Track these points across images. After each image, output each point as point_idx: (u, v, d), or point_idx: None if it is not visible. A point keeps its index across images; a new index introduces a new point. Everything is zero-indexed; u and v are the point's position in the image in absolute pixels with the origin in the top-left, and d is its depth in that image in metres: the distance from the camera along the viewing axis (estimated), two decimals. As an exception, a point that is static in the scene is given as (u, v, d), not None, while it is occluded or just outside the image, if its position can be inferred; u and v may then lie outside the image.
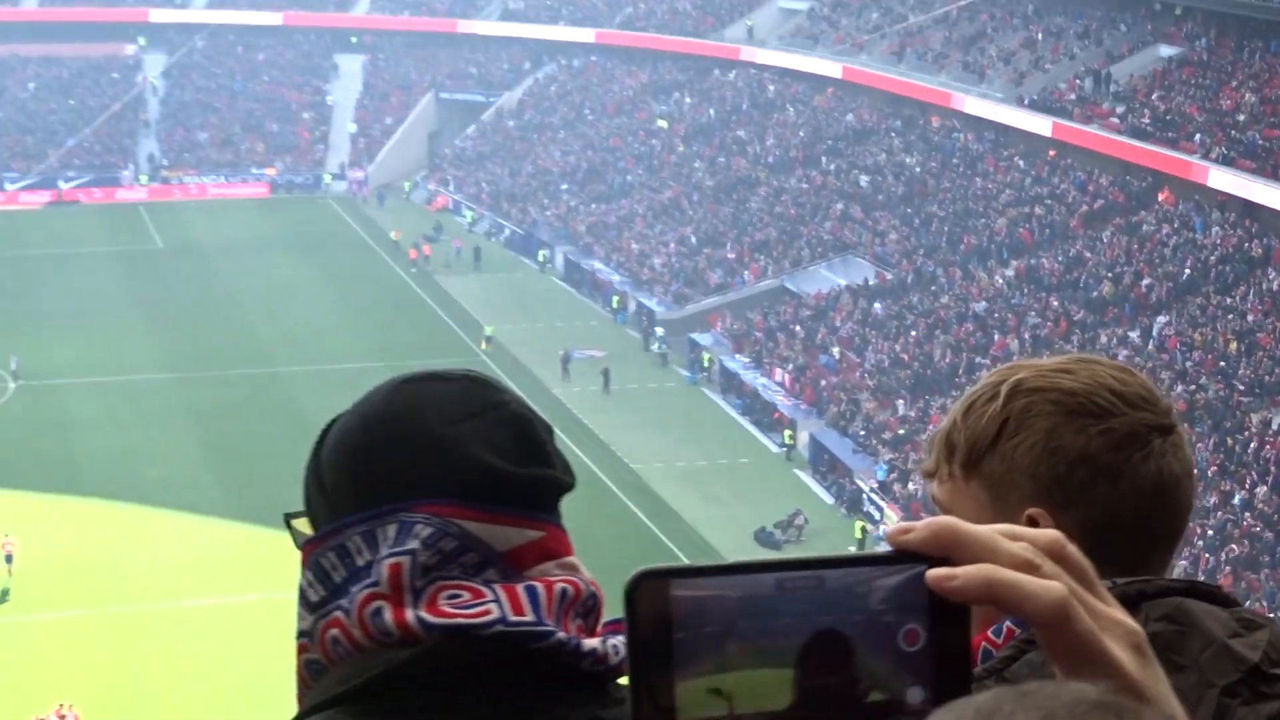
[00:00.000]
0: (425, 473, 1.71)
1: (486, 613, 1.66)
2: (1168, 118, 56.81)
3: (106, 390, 55.69)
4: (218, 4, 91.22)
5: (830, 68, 71.57)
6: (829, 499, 48.18)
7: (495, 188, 77.97)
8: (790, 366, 54.47)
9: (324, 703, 1.67)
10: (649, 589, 1.19)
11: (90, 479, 48.16)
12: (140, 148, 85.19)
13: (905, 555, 1.20)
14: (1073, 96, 60.83)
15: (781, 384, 53.88)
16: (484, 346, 60.08)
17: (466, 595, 1.68)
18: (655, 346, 60.14)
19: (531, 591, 1.70)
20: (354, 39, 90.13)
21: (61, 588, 42.43)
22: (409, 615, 1.66)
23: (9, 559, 43.00)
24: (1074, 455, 1.87)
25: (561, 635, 1.68)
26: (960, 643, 1.20)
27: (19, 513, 45.01)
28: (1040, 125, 60.08)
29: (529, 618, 1.68)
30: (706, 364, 57.48)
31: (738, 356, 56.46)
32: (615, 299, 64.49)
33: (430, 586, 1.69)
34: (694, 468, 49.87)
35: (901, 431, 48.50)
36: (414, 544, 1.69)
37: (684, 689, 1.18)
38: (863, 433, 49.56)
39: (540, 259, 70.90)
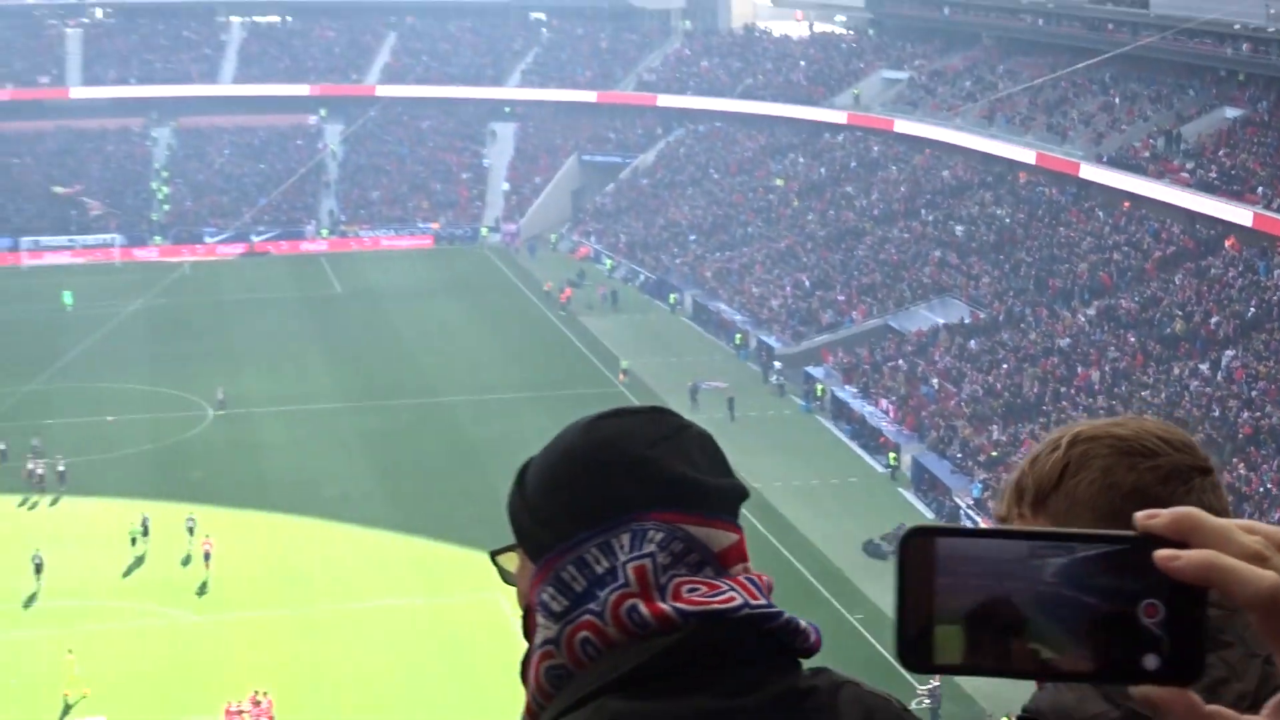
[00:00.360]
0: (636, 490, 1.76)
1: (731, 599, 1.71)
2: (1233, 172, 56.26)
3: (292, 418, 56.28)
4: (389, 79, 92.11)
5: (928, 130, 71.40)
6: (930, 514, 47.77)
7: (631, 239, 78.30)
8: (894, 396, 54.28)
9: (591, 694, 1.71)
10: (918, 544, 1.28)
11: (277, 495, 48.72)
12: (322, 205, 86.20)
13: (1148, 537, 1.23)
14: (1146, 154, 60.31)
15: (886, 412, 53.70)
16: (621, 378, 60.27)
17: (703, 588, 1.72)
18: (774, 379, 60.03)
19: (753, 582, 1.75)
20: (507, 109, 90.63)
21: (252, 590, 43.00)
22: (665, 607, 1.71)
23: (207, 556, 43.72)
24: (1127, 489, 1.92)
25: (788, 615, 1.75)
26: (1196, 619, 1.23)
27: (216, 525, 45.52)
28: (1117, 180, 59.66)
29: (762, 600, 1.74)
30: (819, 394, 57.39)
31: (847, 387, 56.36)
32: (738, 336, 64.48)
33: (670, 583, 1.73)
34: (808, 486, 49.76)
35: (994, 454, 48.11)
36: (651, 548, 1.74)
37: (941, 633, 1.28)
38: (959, 455, 49.33)
39: (671, 301, 71.00)
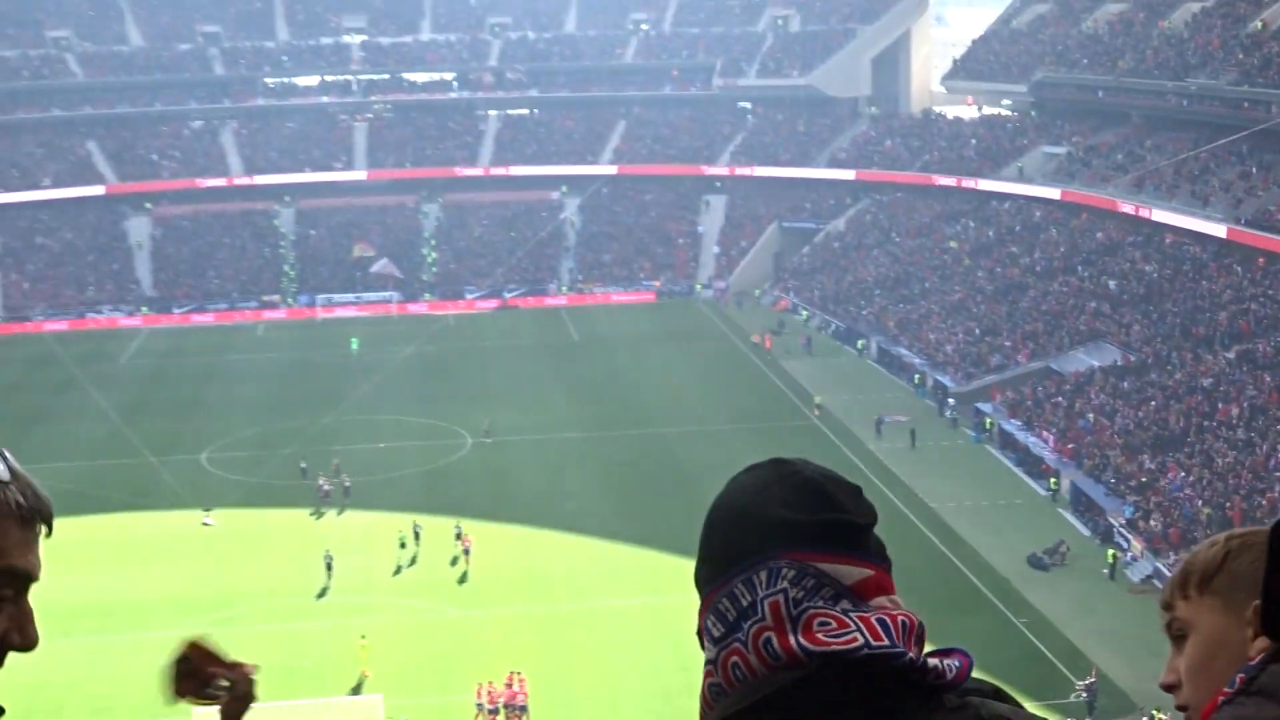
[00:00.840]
0: (761, 534, 1.76)
1: (854, 640, 1.68)
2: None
3: (537, 446, 57.12)
4: (619, 160, 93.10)
5: (1084, 197, 70.39)
6: (1086, 532, 46.88)
7: (824, 293, 78.23)
8: (1054, 428, 53.37)
9: (731, 715, 1.72)
10: None
11: (524, 510, 49.38)
12: (562, 266, 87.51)
13: None
14: (1280, 216, 59.04)
15: (1047, 442, 52.81)
16: (815, 412, 60.21)
17: (834, 624, 1.71)
18: (948, 413, 59.42)
19: (882, 622, 1.72)
20: (718, 184, 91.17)
21: (503, 590, 43.65)
22: (792, 642, 1.69)
23: (467, 551, 44.90)
24: None
25: (911, 655, 1.71)
26: None
27: (473, 535, 46.44)
28: (1254, 239, 58.25)
29: (885, 642, 1.70)
30: (988, 427, 56.67)
31: (1013, 420, 55.58)
32: (917, 377, 63.98)
33: (804, 615, 1.72)
34: (978, 506, 49.14)
35: (1144, 479, 47.10)
36: (784, 584, 1.73)
37: None
38: (1113, 480, 48.28)
39: (859, 347, 70.70)
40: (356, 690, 37.73)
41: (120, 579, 45.15)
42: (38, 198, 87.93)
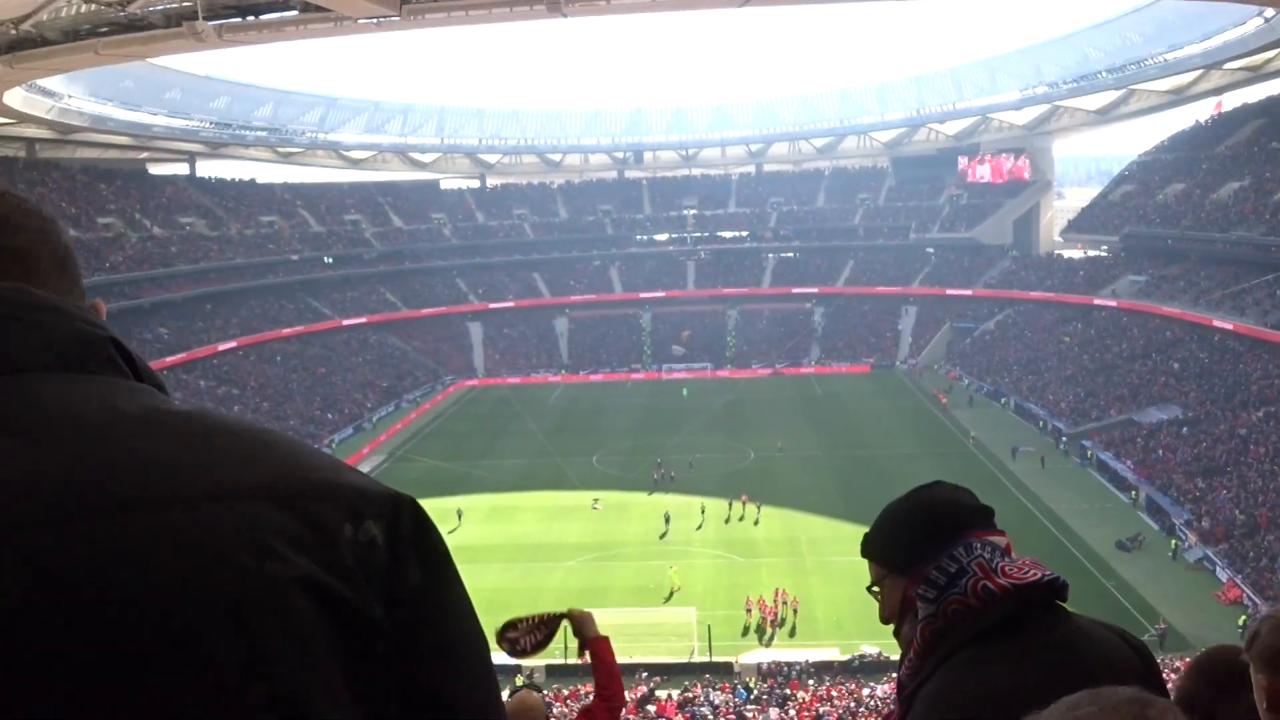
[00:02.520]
0: (956, 521, 1.75)
1: (1037, 572, 1.66)
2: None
3: (792, 460, 56.80)
4: (848, 284, 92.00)
5: (1157, 308, 66.10)
6: (1156, 527, 43.85)
7: (979, 367, 75.22)
8: (1135, 458, 50.13)
9: (968, 640, 1.62)
10: None
11: (784, 498, 49.01)
12: (811, 349, 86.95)
13: None
14: (1297, 322, 54.04)
15: (1130, 467, 49.66)
16: (970, 441, 58.23)
17: (1016, 568, 1.66)
18: (1061, 447, 56.50)
19: (1035, 563, 1.69)
20: (911, 299, 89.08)
21: (770, 547, 43.51)
22: (1004, 582, 1.65)
23: (744, 504, 45.53)
24: None
25: (1061, 577, 1.67)
26: None
27: (734, 513, 46.40)
28: (1277, 336, 53.56)
29: (1050, 573, 1.67)
30: (1089, 456, 53.54)
31: (1106, 453, 52.38)
32: (1041, 422, 60.92)
33: (998, 567, 1.68)
34: (1081, 509, 46.46)
35: (1198, 494, 43.90)
36: (981, 551, 1.70)
37: None
38: (1175, 494, 45.08)
39: (1002, 403, 67.85)
40: (668, 599, 37.93)
41: (544, 530, 46.88)
42: (505, 306, 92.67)
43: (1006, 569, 1.67)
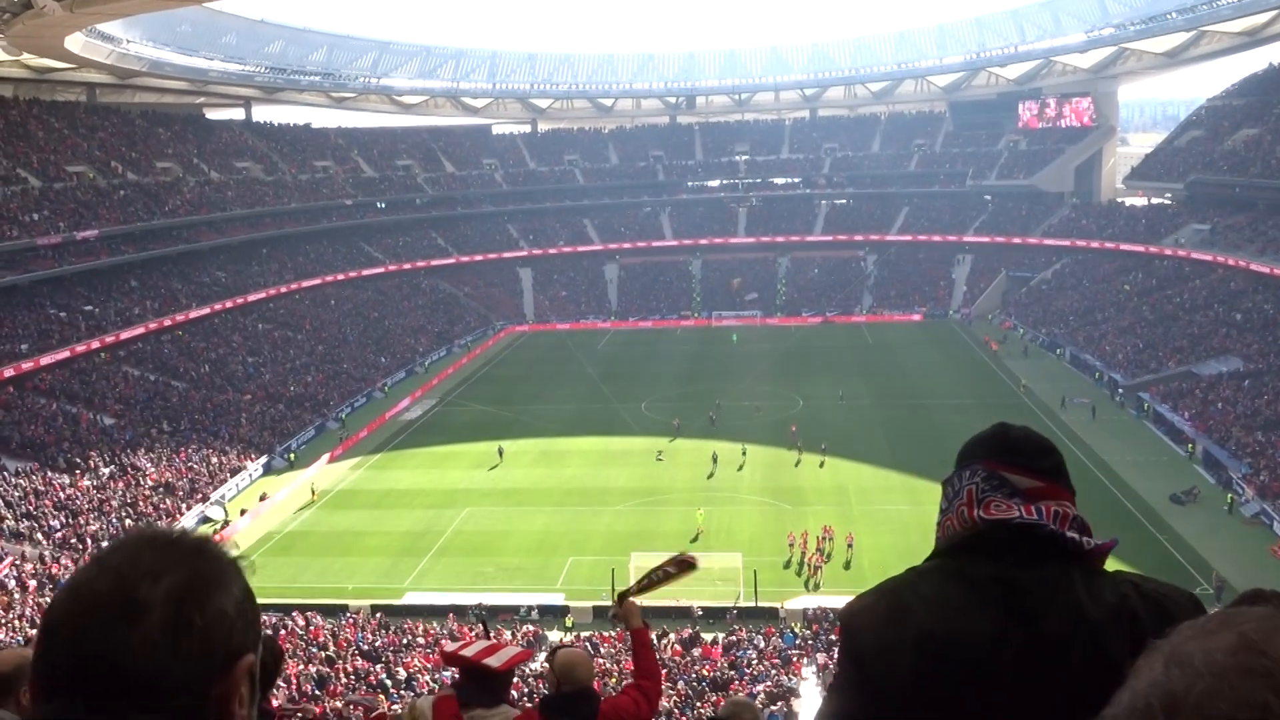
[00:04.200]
0: (974, 450, 1.82)
1: (1011, 514, 1.70)
2: None
3: (843, 409, 56.37)
4: (901, 231, 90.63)
5: (1221, 258, 64.27)
6: (1212, 481, 42.98)
7: (1036, 318, 73.92)
8: (1193, 410, 49.13)
9: (930, 557, 1.77)
10: None
11: (836, 445, 48.77)
12: (864, 298, 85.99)
13: None
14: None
15: (1188, 419, 48.70)
16: (1021, 389, 57.68)
17: (1003, 507, 1.71)
18: (1118, 399, 55.48)
19: (1038, 509, 1.70)
20: (967, 247, 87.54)
21: (819, 495, 43.42)
22: (976, 513, 1.73)
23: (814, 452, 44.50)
24: None
25: (1050, 526, 1.68)
26: None
27: (783, 461, 46.35)
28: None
29: (1034, 518, 1.69)
30: (1146, 408, 52.47)
31: (1164, 405, 51.39)
32: (1097, 374, 59.80)
33: (985, 499, 1.74)
34: (1137, 461, 45.68)
35: (1256, 448, 42.93)
36: (977, 479, 1.77)
37: None
38: (1234, 446, 44.14)
39: (1057, 354, 66.66)
40: (694, 540, 37.91)
41: (593, 474, 47.21)
42: (555, 252, 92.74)
43: (994, 504, 1.72)
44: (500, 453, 49.44)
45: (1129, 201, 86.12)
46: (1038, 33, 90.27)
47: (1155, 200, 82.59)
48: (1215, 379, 52.02)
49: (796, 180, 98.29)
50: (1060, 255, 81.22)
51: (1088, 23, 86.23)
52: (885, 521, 39.49)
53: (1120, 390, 56.06)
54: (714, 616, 33.02)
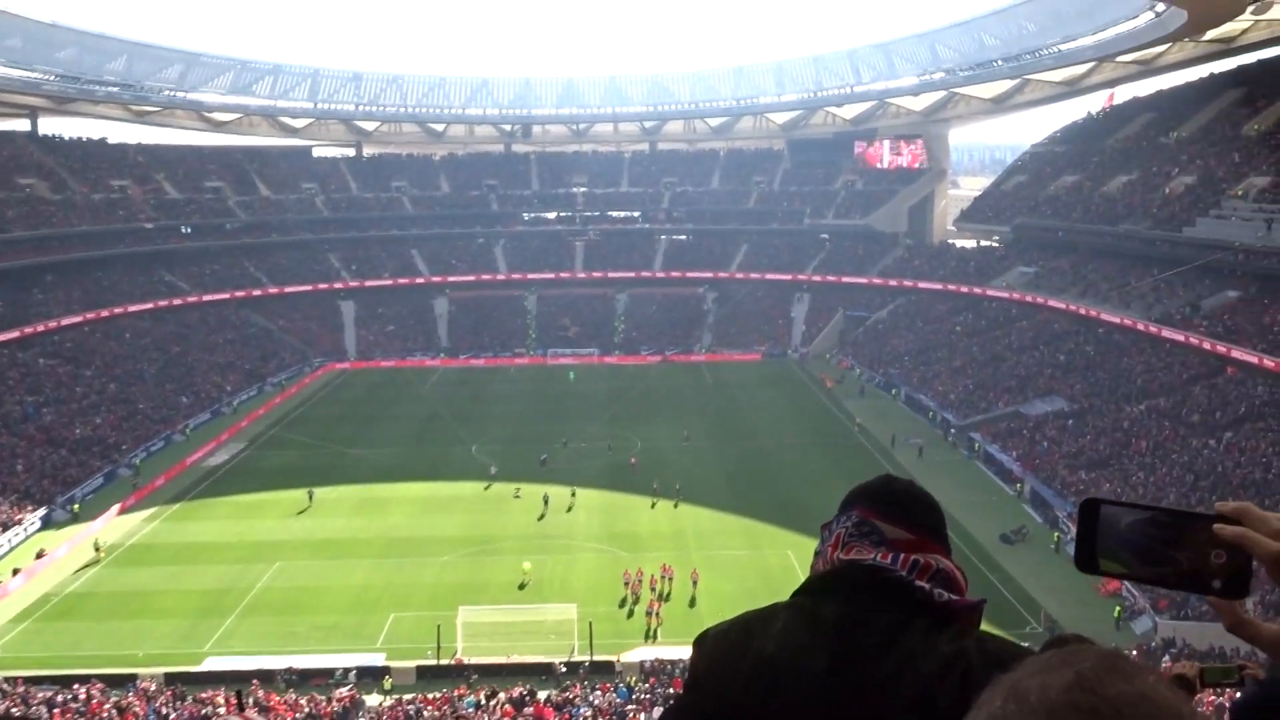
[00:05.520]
0: (851, 499, 1.96)
1: (865, 558, 1.81)
2: (1233, 329, 52.59)
3: (681, 450, 56.99)
4: (741, 269, 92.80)
5: (1046, 301, 68.63)
6: (1039, 520, 45.60)
7: (872, 356, 76.98)
8: (1021, 450, 52.02)
9: (795, 592, 1.87)
10: (1089, 506, 1.41)
11: (672, 483, 49.16)
12: (703, 336, 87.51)
13: (1219, 516, 1.33)
14: (1178, 316, 56.69)
15: (1016, 459, 51.49)
16: (856, 428, 59.75)
17: (864, 552, 1.83)
18: (950, 439, 58.22)
19: (895, 557, 1.80)
20: (805, 286, 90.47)
21: (657, 540, 43.52)
22: (837, 555, 1.86)
23: (671, 491, 44.34)
24: None
25: (900, 574, 1.78)
26: (1244, 565, 1.32)
27: (635, 506, 46.37)
28: (1160, 332, 56.26)
29: (888, 565, 1.79)
30: (976, 448, 55.29)
31: (993, 445, 54.20)
32: (930, 413, 62.68)
33: (851, 544, 1.86)
34: (968, 501, 47.78)
35: (1081, 487, 45.64)
36: (848, 525, 1.90)
37: (1103, 555, 1.41)
38: (1059, 486, 46.91)
39: (892, 393, 69.56)
40: (521, 588, 37.98)
41: (418, 523, 46.01)
42: (380, 284, 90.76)
43: (857, 548, 1.84)
44: (310, 496, 47.70)
45: (959, 243, 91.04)
46: (873, 74, 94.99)
47: (984, 242, 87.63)
48: (1041, 419, 55.25)
49: (635, 214, 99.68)
50: (895, 295, 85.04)
51: (920, 66, 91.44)
52: (724, 566, 39.91)
53: (953, 430, 58.81)
54: (546, 673, 32.47)
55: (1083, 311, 64.42)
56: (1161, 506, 1.44)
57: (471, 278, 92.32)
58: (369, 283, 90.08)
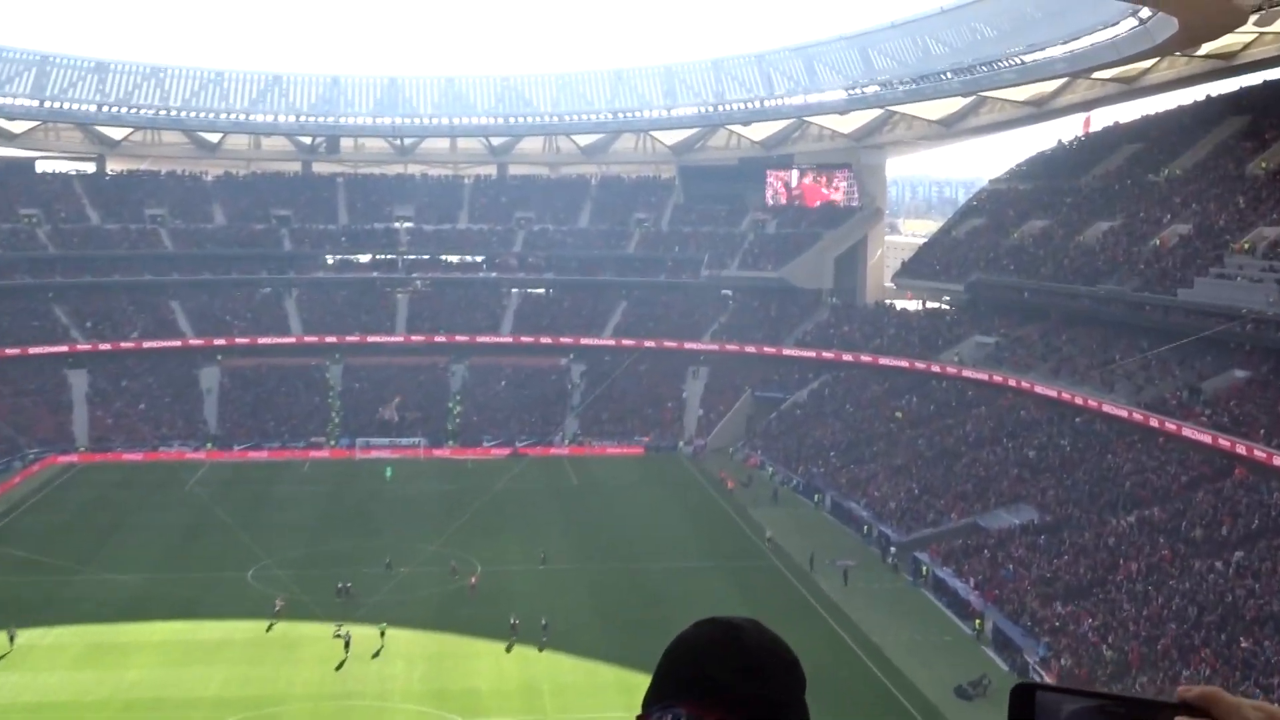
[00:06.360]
0: (672, 680, 2.11)
1: None
2: (1240, 418, 54.90)
3: (536, 576, 56.35)
4: (619, 334, 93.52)
5: (1009, 380, 70.68)
6: (1005, 668, 46.14)
7: (788, 453, 77.95)
8: (980, 576, 52.92)
9: None
10: (1022, 692, 1.46)
11: (522, 631, 48.40)
12: (566, 422, 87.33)
13: (1184, 704, 1.37)
14: (1174, 402, 58.94)
15: (974, 588, 52.34)
16: (767, 543, 60.85)
17: None
18: (890, 560, 58.93)
19: None
20: (702, 357, 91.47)
21: (500, 700, 42.73)
22: None
23: (535, 631, 43.45)
24: None
25: None
26: None
27: (479, 651, 45.52)
28: (1151, 421, 58.41)
29: None
30: (924, 572, 56.10)
31: (945, 568, 55.05)
32: (865, 527, 63.52)
33: None
34: (914, 641, 48.44)
35: (1057, 624, 46.56)
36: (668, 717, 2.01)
37: None
38: (1029, 623, 47.71)
39: (815, 500, 70.33)
40: None
41: (169, 678, 44.38)
42: (126, 347, 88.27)
43: None
44: (11, 639, 45.68)
45: (900, 304, 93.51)
46: (789, 85, 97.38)
47: (931, 304, 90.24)
48: (1006, 534, 56.44)
49: (479, 259, 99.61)
50: (818, 371, 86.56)
51: (849, 77, 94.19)
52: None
53: (893, 549, 59.57)
54: None
55: (1055, 394, 66.49)
56: (1113, 694, 1.45)
57: (252, 340, 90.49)
58: (109, 345, 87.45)
